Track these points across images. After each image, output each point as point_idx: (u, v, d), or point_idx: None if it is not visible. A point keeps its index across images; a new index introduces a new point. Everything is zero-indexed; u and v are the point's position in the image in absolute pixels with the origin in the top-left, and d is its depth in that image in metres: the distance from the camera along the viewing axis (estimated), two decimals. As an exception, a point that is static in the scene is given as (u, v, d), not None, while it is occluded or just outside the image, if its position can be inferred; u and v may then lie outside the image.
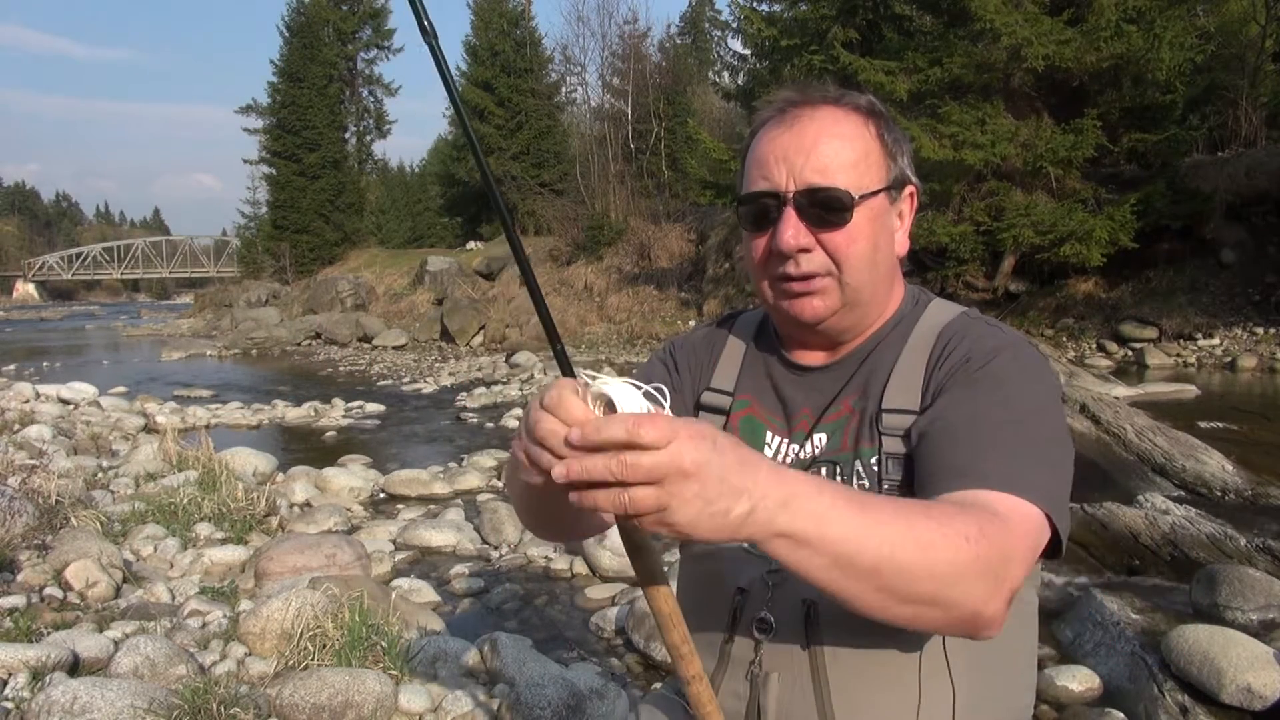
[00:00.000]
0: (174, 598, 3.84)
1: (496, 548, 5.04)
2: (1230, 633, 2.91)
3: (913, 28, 17.83)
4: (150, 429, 8.91)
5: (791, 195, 1.06)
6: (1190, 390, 10.54)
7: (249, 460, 6.52)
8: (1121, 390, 9.32)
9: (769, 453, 1.16)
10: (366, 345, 23.21)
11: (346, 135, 40.39)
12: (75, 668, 2.86)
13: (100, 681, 2.57)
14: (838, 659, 1.03)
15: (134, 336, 30.15)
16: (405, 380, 14.94)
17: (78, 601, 3.59)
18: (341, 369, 17.70)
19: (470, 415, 10.61)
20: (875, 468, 1.07)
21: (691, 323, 20.64)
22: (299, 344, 24.27)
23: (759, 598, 1.08)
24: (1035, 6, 14.69)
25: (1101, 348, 14.64)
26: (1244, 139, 17.17)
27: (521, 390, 12.80)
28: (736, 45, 26.61)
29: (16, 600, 3.40)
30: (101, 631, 3.22)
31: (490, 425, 9.78)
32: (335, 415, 10.64)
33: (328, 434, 9.45)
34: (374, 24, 42.62)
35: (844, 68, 15.61)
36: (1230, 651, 2.78)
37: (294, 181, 34.75)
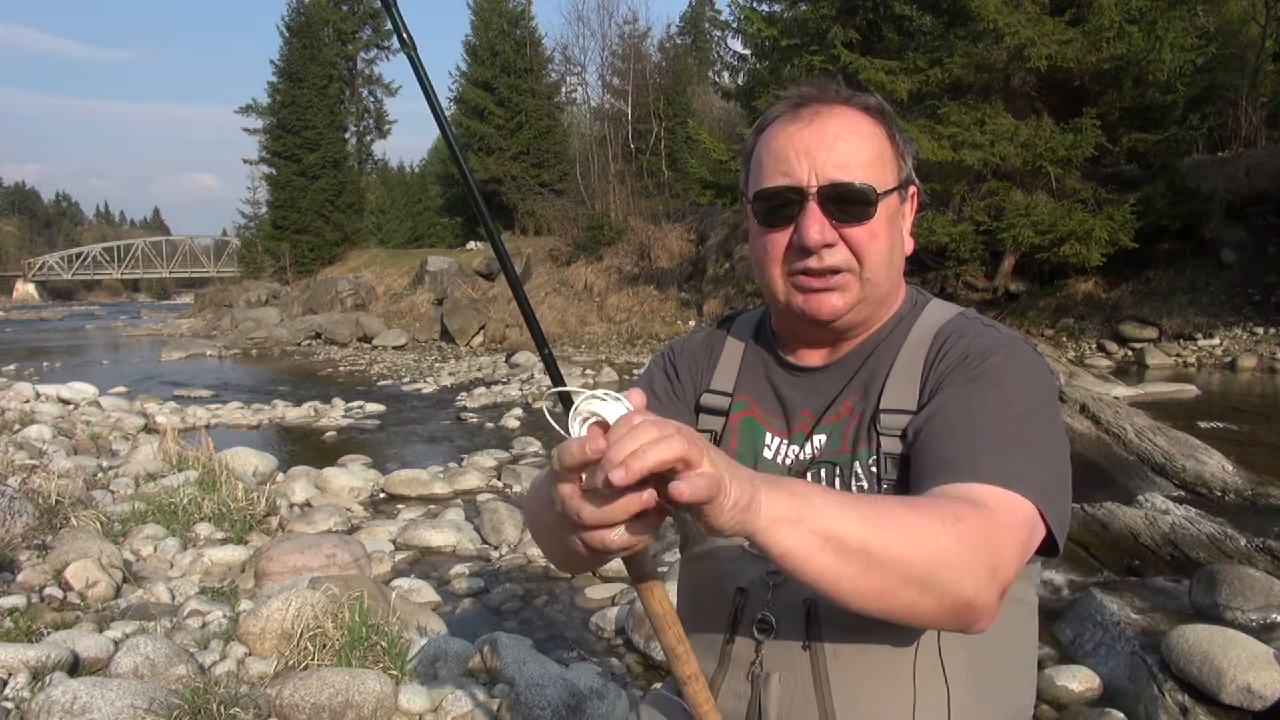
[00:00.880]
0: (174, 598, 3.84)
1: (496, 548, 5.04)
2: (1230, 633, 2.91)
3: (913, 28, 17.81)
4: (150, 429, 8.90)
5: (815, 190, 1.06)
6: (1190, 390, 10.53)
7: (249, 460, 6.52)
8: (1121, 390, 9.32)
9: (768, 454, 1.16)
10: (366, 345, 23.21)
11: (346, 135, 40.39)
12: (75, 668, 2.86)
13: (100, 681, 2.57)
14: (839, 659, 1.03)
15: (134, 336, 30.14)
16: (405, 380, 14.94)
17: (78, 601, 3.59)
18: (341, 369, 17.70)
19: (470, 415, 10.61)
20: (874, 469, 1.07)
21: (691, 323, 20.64)
22: (299, 344, 24.26)
23: (759, 598, 1.08)
24: (1036, 7, 14.69)
25: (1101, 348, 14.64)
26: (1244, 139, 17.18)
27: (521, 390, 12.79)
28: (736, 45, 26.59)
29: (16, 600, 3.40)
30: (101, 631, 3.22)
31: (490, 425, 9.78)
32: (335, 415, 10.64)
33: (328, 434, 9.45)
34: (374, 24, 42.60)
35: (844, 67, 15.59)
36: (1230, 651, 2.77)
37: (294, 181, 34.72)
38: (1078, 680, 3.08)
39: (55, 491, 4.66)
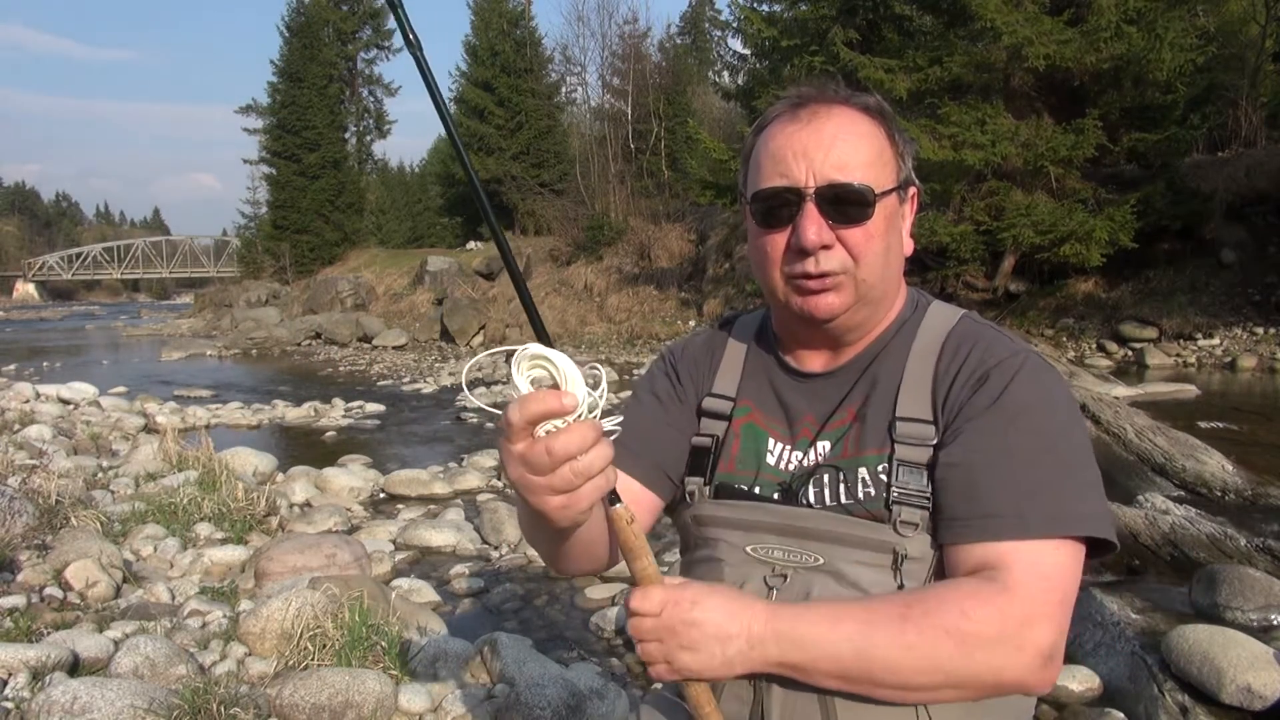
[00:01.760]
0: (174, 598, 3.84)
1: (496, 548, 5.04)
2: (1230, 633, 2.91)
3: (913, 27, 17.81)
4: (150, 429, 8.90)
5: (812, 191, 1.05)
6: (1190, 390, 10.53)
7: (249, 460, 6.51)
8: (1121, 390, 9.32)
9: (771, 459, 1.16)
10: (366, 345, 23.20)
11: (346, 135, 40.40)
12: (75, 668, 2.85)
13: (100, 681, 2.56)
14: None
15: (134, 336, 30.12)
16: (405, 380, 14.94)
17: (78, 601, 3.59)
18: (341, 369, 17.70)
19: (470, 415, 10.61)
20: (883, 476, 1.06)
21: (691, 323, 20.64)
22: (299, 344, 24.25)
23: (760, 600, 1.08)
24: (1035, 6, 14.69)
25: (1101, 348, 14.64)
26: (1244, 139, 17.18)
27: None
28: (736, 45, 26.62)
29: (16, 600, 3.40)
30: (101, 631, 3.21)
31: (490, 425, 9.78)
32: (335, 415, 10.64)
33: (328, 434, 9.45)
34: (374, 24, 42.64)
35: (844, 66, 15.60)
36: (1230, 651, 2.77)
37: (294, 181, 34.73)
38: (1078, 680, 3.08)
39: (55, 491, 4.66)
